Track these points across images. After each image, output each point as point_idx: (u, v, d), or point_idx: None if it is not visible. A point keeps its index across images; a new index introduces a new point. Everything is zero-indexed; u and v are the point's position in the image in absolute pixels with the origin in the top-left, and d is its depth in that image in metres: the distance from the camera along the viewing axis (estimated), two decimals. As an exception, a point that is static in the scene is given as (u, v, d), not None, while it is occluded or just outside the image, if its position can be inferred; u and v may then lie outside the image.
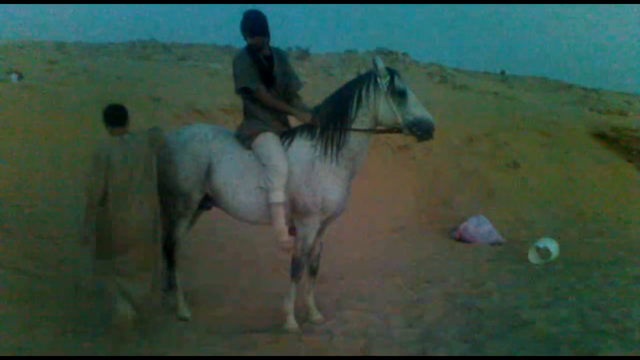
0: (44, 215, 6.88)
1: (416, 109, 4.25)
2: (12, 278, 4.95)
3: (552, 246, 7.25)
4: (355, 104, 4.32)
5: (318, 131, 4.43)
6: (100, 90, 10.74)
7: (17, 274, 5.08)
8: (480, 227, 8.48)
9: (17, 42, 17.49)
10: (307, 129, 4.51)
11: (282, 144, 4.50)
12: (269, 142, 4.44)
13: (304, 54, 20.86)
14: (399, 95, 4.24)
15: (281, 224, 4.41)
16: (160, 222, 4.58)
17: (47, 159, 8.04)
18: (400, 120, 4.25)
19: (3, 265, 5.19)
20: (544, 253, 7.16)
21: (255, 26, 4.43)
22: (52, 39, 19.23)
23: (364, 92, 4.31)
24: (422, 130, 4.24)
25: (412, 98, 4.27)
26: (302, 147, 4.46)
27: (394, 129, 4.38)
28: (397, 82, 4.26)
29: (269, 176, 4.34)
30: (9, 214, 6.56)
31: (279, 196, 4.34)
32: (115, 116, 4.24)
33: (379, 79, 4.27)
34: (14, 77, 10.45)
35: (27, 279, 5.05)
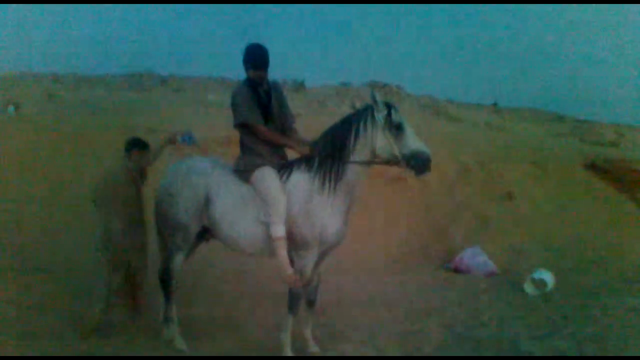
0: (39, 246, 6.87)
1: (413, 142, 4.29)
2: (5, 310, 4.92)
3: (548, 277, 7.25)
4: (353, 137, 4.37)
5: (316, 164, 4.47)
6: (97, 121, 10.81)
7: (11, 306, 5.04)
8: (475, 257, 8.48)
9: (14, 73, 17.60)
10: (305, 161, 4.54)
11: (281, 177, 4.53)
12: (266, 176, 4.45)
13: (300, 86, 21.08)
14: (396, 129, 4.29)
15: (284, 257, 4.41)
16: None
17: (42, 189, 8.05)
18: (397, 153, 4.29)
19: (-2, 298, 5.16)
20: (540, 284, 7.16)
21: (259, 60, 4.49)
22: (50, 71, 19.38)
23: (361, 126, 4.36)
24: (419, 163, 4.26)
25: (409, 131, 4.32)
26: (300, 179, 4.48)
27: (391, 162, 4.42)
28: (394, 116, 4.31)
29: (269, 210, 4.36)
30: (4, 244, 6.55)
31: (280, 230, 4.35)
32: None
33: (376, 113, 4.33)
34: (11, 109, 10.53)
35: (21, 311, 5.01)
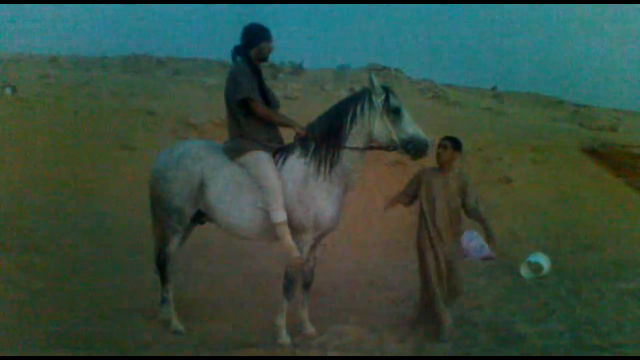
0: (39, 229, 6.89)
1: (410, 127, 4.29)
2: (7, 292, 4.94)
3: (544, 261, 7.30)
4: (349, 121, 4.36)
5: (312, 148, 4.45)
6: (94, 104, 10.78)
7: (13, 288, 5.07)
8: (472, 242, 8.52)
9: (11, 55, 17.51)
10: (301, 146, 4.51)
11: (276, 161, 4.51)
12: (261, 162, 4.42)
13: (298, 69, 20.98)
14: (394, 113, 4.29)
15: (289, 241, 4.39)
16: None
17: (41, 172, 8.06)
18: (394, 137, 4.29)
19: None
20: (536, 268, 7.21)
21: (267, 33, 4.51)
22: (47, 52, 19.28)
23: (358, 110, 4.35)
24: (416, 148, 4.27)
25: (406, 116, 4.31)
26: (296, 164, 4.47)
27: (388, 147, 4.41)
28: (392, 100, 4.30)
29: (266, 198, 4.35)
30: (5, 228, 6.57)
31: (281, 215, 4.34)
32: None
33: (374, 97, 4.32)
34: (8, 90, 10.49)
35: (22, 294, 5.04)
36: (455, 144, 4.82)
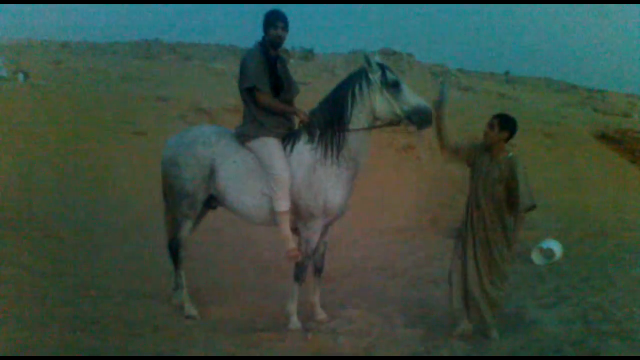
0: (50, 213, 6.95)
1: (412, 98, 4.27)
2: (19, 276, 5.00)
3: (556, 247, 7.27)
4: (350, 103, 4.35)
5: (317, 134, 4.45)
6: (105, 89, 10.82)
7: (24, 272, 5.12)
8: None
9: (23, 42, 17.59)
10: (307, 132, 4.51)
11: (285, 148, 4.52)
12: (270, 149, 4.44)
13: (309, 54, 20.90)
14: (393, 87, 4.27)
15: (287, 231, 4.45)
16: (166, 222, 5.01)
17: (53, 157, 8.11)
18: (398, 110, 4.27)
19: (11, 263, 5.24)
20: (548, 254, 7.18)
21: (283, 19, 4.46)
22: (58, 38, 19.33)
23: (357, 90, 4.34)
24: (421, 118, 4.25)
25: (406, 88, 4.30)
26: (303, 151, 4.47)
27: (393, 122, 4.40)
28: (389, 75, 4.29)
29: (272, 185, 4.37)
30: (16, 212, 6.62)
31: (283, 205, 4.37)
32: None
33: (370, 75, 4.30)
34: (21, 76, 10.55)
35: (34, 277, 5.09)
36: (503, 122, 4.29)
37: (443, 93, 4.47)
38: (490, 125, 4.31)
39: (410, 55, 22.11)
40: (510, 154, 4.35)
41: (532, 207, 4.31)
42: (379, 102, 4.31)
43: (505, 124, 4.28)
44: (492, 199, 4.32)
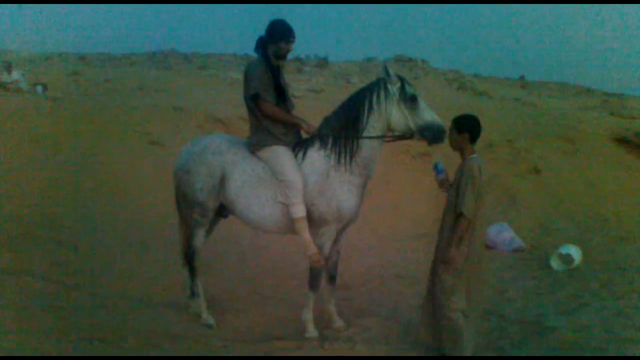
0: (69, 223, 7.01)
1: (427, 114, 4.30)
2: (38, 286, 5.05)
3: (575, 252, 7.19)
4: (366, 111, 4.36)
5: (330, 141, 4.46)
6: (122, 100, 10.93)
7: (41, 282, 5.17)
8: (501, 233, 8.42)
9: (41, 54, 17.84)
10: (320, 139, 4.52)
11: (296, 155, 4.53)
12: (281, 157, 4.45)
13: (323, 62, 20.97)
14: (410, 101, 4.29)
15: (307, 236, 4.45)
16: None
17: (72, 168, 8.19)
18: (412, 124, 4.30)
19: (30, 273, 5.29)
20: (567, 259, 7.10)
21: (288, 33, 4.48)
22: (75, 50, 19.61)
23: (374, 99, 4.36)
24: (433, 134, 4.29)
25: (422, 103, 4.33)
26: (316, 157, 4.48)
27: (405, 135, 4.42)
28: (408, 88, 4.32)
29: (286, 192, 4.38)
30: (34, 222, 6.69)
31: (300, 210, 4.38)
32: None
33: (389, 86, 4.32)
34: (39, 88, 10.70)
35: (53, 287, 5.14)
36: (460, 124, 4.05)
37: (439, 170, 4.36)
38: (450, 130, 4.10)
39: (424, 61, 22.13)
40: (474, 155, 4.07)
41: (460, 214, 3.91)
42: (395, 114, 4.34)
43: (462, 125, 4.04)
44: (449, 205, 4.09)
